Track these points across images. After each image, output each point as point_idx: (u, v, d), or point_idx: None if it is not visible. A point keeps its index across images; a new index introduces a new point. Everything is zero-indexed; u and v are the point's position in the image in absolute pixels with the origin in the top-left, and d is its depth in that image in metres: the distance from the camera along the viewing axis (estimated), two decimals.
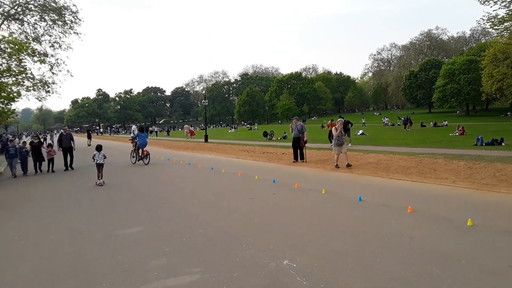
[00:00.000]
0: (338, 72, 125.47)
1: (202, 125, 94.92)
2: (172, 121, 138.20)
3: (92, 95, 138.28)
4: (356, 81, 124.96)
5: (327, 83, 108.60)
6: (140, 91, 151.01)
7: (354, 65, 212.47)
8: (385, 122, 49.62)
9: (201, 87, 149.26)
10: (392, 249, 4.92)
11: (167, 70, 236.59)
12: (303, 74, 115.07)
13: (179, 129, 53.46)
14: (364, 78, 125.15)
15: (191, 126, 53.29)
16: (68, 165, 17.54)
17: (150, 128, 76.26)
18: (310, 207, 7.60)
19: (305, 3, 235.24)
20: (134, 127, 20.26)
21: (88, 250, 5.57)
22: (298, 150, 15.42)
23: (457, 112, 68.63)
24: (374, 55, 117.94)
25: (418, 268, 4.25)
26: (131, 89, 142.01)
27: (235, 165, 15.61)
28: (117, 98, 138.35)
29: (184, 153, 24.83)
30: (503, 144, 17.81)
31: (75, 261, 5.14)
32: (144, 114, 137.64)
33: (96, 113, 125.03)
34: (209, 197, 9.15)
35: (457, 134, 27.64)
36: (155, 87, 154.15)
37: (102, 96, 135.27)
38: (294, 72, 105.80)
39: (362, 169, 12.41)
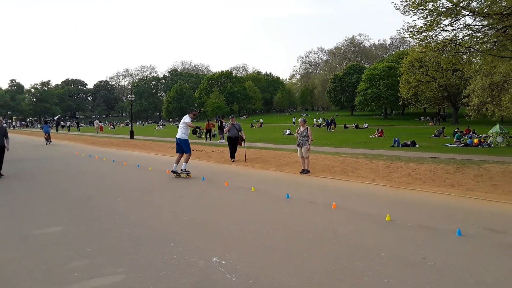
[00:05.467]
0: (268, 73, 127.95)
1: (128, 121, 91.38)
2: (94, 116, 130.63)
3: (5, 85, 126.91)
4: (285, 82, 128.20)
5: (257, 83, 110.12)
6: (59, 83, 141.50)
7: (283, 66, 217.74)
8: (316, 123, 52.23)
9: (127, 82, 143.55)
10: (318, 244, 5.10)
11: (90, 62, 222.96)
12: (234, 73, 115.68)
13: (92, 124, 51.13)
14: (293, 79, 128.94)
15: (100, 122, 53.80)
16: None
17: (62, 122, 74.19)
18: (240, 205, 7.64)
19: (237, 4, 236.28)
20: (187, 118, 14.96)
21: (2, 252, 5.07)
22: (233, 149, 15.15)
23: (381, 115, 73.11)
24: (302, 57, 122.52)
25: (341, 261, 4.44)
26: (49, 81, 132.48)
27: (163, 163, 15.22)
28: (32, 90, 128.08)
29: (108, 149, 23.69)
30: (417, 145, 19.35)
31: None
32: (63, 107, 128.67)
33: (9, 105, 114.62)
34: (135, 195, 8.81)
35: (376, 136, 29.55)
36: (76, 79, 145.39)
37: (16, 87, 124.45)
38: (224, 71, 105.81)
39: (289, 168, 12.75)
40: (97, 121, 56.19)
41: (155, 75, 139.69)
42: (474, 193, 8.42)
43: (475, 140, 20.74)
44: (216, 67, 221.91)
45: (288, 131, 34.95)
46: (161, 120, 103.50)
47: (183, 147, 11.62)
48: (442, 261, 4.41)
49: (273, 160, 14.60)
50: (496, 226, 5.80)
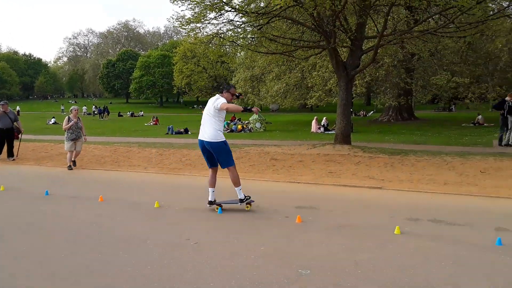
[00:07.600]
0: (27, 53, 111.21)
1: None
2: None
3: None
4: (49, 65, 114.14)
5: (13, 65, 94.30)
6: None
7: (47, 47, 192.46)
8: (86, 111, 49.04)
9: None
10: (79, 242, 4.68)
11: None
12: None
13: None
14: (59, 62, 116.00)
15: None
16: None
17: None
18: None
19: None
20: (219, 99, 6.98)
21: None
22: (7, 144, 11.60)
23: (157, 103, 73.71)
24: (70, 39, 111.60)
25: (105, 256, 4.20)
26: None
27: None
28: None
29: None
30: (189, 132, 20.43)
31: None
32: None
33: None
34: None
35: (152, 124, 29.81)
36: None
37: None
38: None
39: (51, 161, 11.46)
40: None
41: None
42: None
43: (239, 127, 23.37)
44: None
45: (53, 120, 31.55)
46: None
47: (218, 158, 5.95)
48: (203, 239, 4.71)
49: (31, 153, 12.81)
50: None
